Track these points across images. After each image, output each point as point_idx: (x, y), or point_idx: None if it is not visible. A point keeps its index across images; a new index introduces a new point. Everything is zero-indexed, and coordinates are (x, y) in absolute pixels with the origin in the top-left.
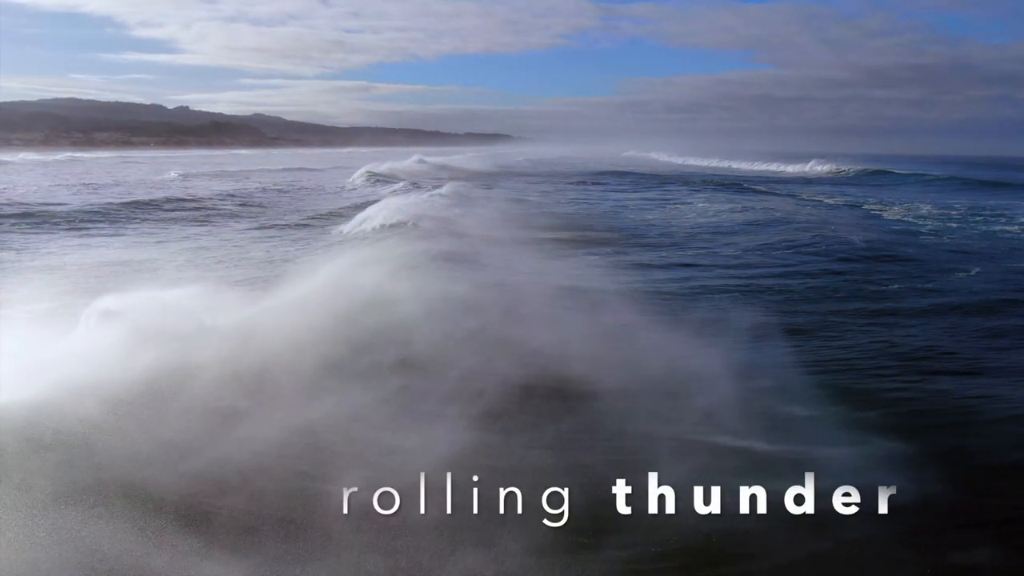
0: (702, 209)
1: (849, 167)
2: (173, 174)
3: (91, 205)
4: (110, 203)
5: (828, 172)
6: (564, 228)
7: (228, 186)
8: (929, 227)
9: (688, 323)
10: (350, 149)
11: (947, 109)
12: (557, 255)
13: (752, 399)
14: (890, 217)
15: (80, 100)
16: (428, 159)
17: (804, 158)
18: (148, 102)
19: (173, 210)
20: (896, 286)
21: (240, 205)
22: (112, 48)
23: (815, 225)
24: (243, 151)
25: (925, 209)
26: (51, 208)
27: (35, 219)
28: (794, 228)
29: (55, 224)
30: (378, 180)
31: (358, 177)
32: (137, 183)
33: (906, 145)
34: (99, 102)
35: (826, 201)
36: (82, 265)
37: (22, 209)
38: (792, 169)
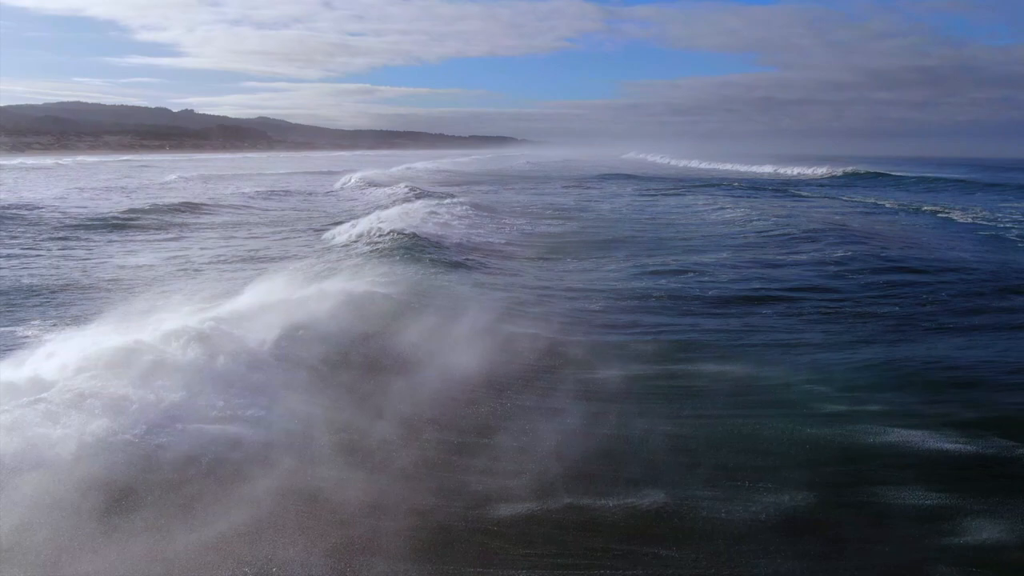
0: (761, 214)
1: (867, 168)
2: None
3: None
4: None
5: (849, 173)
6: (652, 238)
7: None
8: (1014, 233)
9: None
10: (358, 152)
11: (951, 111)
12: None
13: None
14: (963, 222)
15: (85, 104)
16: (447, 165)
17: (814, 161)
18: (152, 105)
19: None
20: None
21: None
22: (115, 52)
23: (900, 232)
24: (253, 154)
25: (984, 212)
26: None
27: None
28: (881, 238)
29: None
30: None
31: (403, 188)
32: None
33: (910, 147)
34: (104, 105)
35: (880, 203)
36: None
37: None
38: (810, 171)
